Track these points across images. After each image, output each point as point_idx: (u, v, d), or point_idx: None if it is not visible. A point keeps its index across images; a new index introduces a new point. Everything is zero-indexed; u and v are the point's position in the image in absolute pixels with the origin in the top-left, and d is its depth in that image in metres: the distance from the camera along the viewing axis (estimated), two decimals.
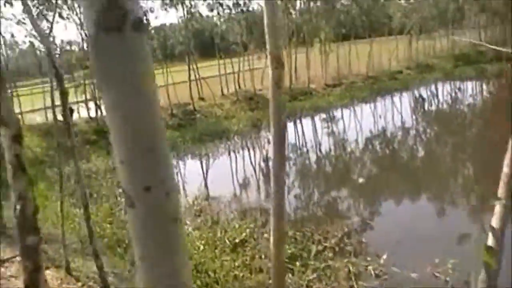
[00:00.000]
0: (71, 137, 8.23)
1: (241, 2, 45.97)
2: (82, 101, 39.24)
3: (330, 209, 19.28)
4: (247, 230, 16.01)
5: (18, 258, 13.20)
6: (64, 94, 7.75)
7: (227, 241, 15.26)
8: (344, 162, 26.24)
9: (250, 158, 29.62)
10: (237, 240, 15.36)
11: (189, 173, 26.27)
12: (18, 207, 3.56)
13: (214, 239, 15.45)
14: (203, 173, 26.78)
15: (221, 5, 45.73)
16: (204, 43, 61.30)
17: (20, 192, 3.58)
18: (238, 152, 30.62)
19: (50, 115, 37.80)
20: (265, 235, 15.51)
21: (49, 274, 12.25)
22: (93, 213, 14.35)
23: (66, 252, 11.55)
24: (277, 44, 4.79)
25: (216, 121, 38.74)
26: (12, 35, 58.95)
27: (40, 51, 43.50)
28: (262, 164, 27.43)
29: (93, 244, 9.09)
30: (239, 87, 47.52)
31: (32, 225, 3.68)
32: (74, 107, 15.29)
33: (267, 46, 4.81)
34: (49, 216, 18.72)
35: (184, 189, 22.96)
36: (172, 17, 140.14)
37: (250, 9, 48.55)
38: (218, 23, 56.69)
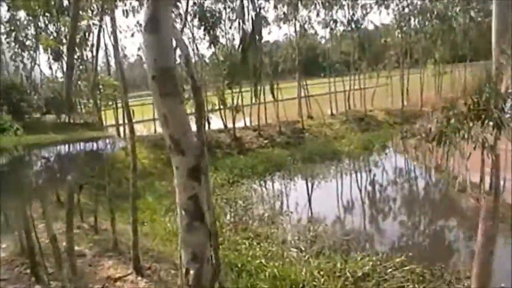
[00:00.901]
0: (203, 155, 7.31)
1: (355, 19, 44.47)
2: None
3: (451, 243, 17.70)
4: (370, 263, 14.58)
5: (130, 277, 12.64)
6: (200, 106, 6.87)
7: (348, 273, 13.94)
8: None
9: (366, 181, 28.20)
10: (359, 274, 14.02)
11: (301, 195, 25.16)
12: (191, 271, 2.56)
13: (334, 270, 14.20)
14: (309, 195, 25.74)
15: (335, 21, 44.52)
16: (307, 61, 60.39)
17: (195, 250, 2.59)
18: (351, 175, 29.26)
19: (158, 127, 38.24)
20: (389, 270, 14.16)
21: None
22: None
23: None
24: None
25: (326, 141, 37.50)
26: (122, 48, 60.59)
27: None
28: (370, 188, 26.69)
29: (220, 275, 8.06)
30: (349, 107, 45.99)
31: None
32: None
33: (493, 57, 3.59)
34: (158, 232, 18.26)
35: (296, 211, 21.89)
36: (276, 34, 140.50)
37: (363, 26, 46.98)
38: (323, 41, 55.70)
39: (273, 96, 38.12)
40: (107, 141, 31.95)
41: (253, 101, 38.33)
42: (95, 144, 32.13)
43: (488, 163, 18.92)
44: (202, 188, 2.68)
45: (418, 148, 28.85)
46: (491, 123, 8.74)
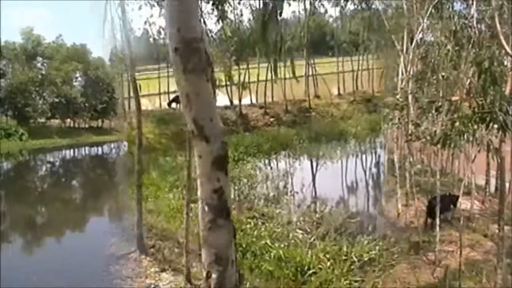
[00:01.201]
0: None
1: None
2: None
3: None
4: (376, 248, 14.33)
5: (133, 255, 12.43)
6: (213, 84, 6.52)
7: (354, 257, 13.68)
8: None
9: (372, 163, 28.00)
10: (365, 258, 13.77)
11: (306, 175, 24.94)
12: (213, 274, 2.25)
13: (339, 253, 13.95)
14: (314, 175, 25.54)
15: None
16: (315, 39, 59.93)
17: (218, 251, 2.27)
18: (357, 156, 29.04)
19: (163, 102, 37.84)
20: (395, 255, 13.93)
21: (166, 278, 11.33)
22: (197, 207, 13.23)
23: (188, 258, 10.46)
24: None
25: (332, 121, 37.21)
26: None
27: (154, 38, 43.86)
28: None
29: None
30: (357, 87, 45.45)
31: None
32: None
33: None
34: (162, 208, 18.04)
35: (302, 191, 21.65)
36: (285, 12, 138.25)
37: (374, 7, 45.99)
38: (330, 20, 55.05)
39: (294, 75, 37.81)
40: (112, 145, 31.78)
41: (273, 78, 38.22)
42: (100, 149, 32.07)
43: (493, 165, 18.76)
44: (228, 180, 2.34)
45: (423, 151, 28.47)
46: (495, 126, 8.48)
